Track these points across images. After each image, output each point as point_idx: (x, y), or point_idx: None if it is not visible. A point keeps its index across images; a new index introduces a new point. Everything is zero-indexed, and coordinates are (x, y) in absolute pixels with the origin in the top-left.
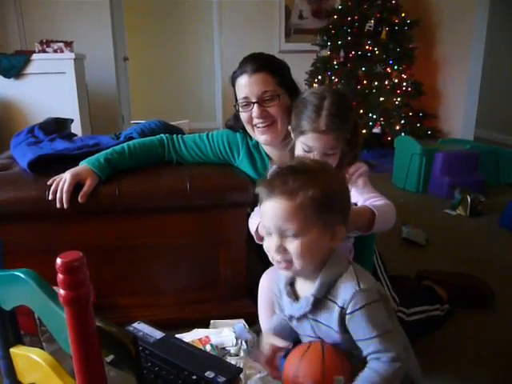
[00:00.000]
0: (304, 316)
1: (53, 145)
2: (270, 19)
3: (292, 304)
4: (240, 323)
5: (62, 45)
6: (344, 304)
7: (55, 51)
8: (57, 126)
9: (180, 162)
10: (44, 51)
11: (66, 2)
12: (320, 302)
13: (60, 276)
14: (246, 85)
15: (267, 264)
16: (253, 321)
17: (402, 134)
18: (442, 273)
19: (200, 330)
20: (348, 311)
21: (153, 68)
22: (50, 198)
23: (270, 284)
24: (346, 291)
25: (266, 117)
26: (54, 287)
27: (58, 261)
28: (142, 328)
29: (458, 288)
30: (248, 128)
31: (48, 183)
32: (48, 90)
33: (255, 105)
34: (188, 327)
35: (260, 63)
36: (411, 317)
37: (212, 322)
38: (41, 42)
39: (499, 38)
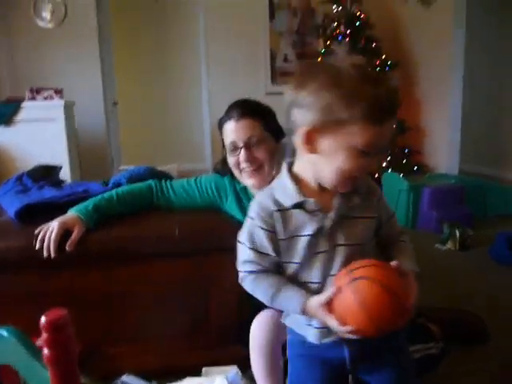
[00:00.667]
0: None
1: (41, 192)
2: (256, 62)
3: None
4: (233, 370)
5: (51, 92)
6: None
7: (45, 98)
8: (45, 173)
9: (169, 208)
10: (34, 98)
11: (56, 48)
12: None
13: (44, 335)
14: (232, 130)
15: (259, 307)
16: (246, 366)
17: (389, 170)
18: (433, 309)
19: (192, 378)
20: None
21: (142, 111)
22: (37, 246)
23: (262, 331)
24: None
25: (253, 161)
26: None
27: (42, 319)
28: (130, 381)
29: (450, 323)
30: (235, 172)
31: (35, 232)
32: (38, 137)
33: (242, 149)
34: (180, 375)
35: (246, 109)
36: None
37: (204, 369)
38: (31, 90)
39: (477, 72)
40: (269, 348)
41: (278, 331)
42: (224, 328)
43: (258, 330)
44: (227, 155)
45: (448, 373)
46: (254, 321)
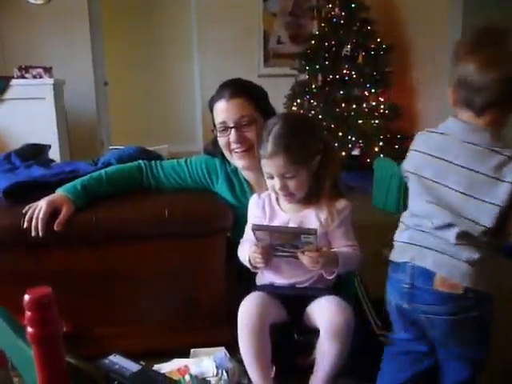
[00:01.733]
0: None
1: (29, 171)
2: (249, 44)
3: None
4: (221, 352)
5: (41, 70)
6: None
7: (34, 77)
8: (34, 152)
9: (158, 188)
10: (23, 77)
11: (46, 27)
12: None
13: (28, 313)
14: (223, 110)
15: (248, 289)
16: (234, 348)
17: (381, 155)
18: None
19: (179, 359)
20: None
21: (133, 92)
22: (25, 226)
23: (250, 312)
24: None
25: (244, 141)
26: None
27: (26, 297)
28: (117, 361)
29: None
30: (226, 153)
31: (23, 211)
32: (27, 116)
33: (232, 129)
34: (168, 356)
35: (237, 88)
36: None
37: (192, 350)
38: (20, 68)
39: None
40: (257, 329)
41: (267, 312)
42: (212, 310)
43: (246, 311)
44: (217, 136)
45: None
46: (243, 302)
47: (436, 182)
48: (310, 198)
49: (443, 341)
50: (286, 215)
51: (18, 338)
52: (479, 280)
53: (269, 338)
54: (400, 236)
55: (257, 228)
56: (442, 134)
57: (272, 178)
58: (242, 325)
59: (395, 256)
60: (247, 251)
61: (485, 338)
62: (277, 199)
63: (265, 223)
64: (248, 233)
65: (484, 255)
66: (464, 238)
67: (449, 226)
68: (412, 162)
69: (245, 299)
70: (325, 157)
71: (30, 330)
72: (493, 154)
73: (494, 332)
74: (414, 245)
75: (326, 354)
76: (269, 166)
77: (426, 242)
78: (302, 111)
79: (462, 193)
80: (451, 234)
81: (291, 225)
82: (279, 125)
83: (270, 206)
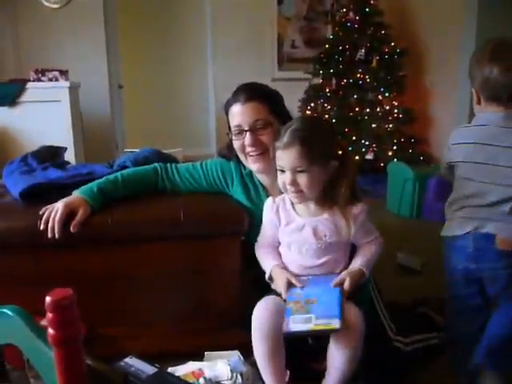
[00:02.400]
0: None
1: (46, 173)
2: (263, 48)
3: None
4: (235, 355)
5: (57, 73)
6: None
7: (50, 80)
8: (50, 155)
9: (174, 191)
10: (39, 80)
11: (61, 31)
12: None
13: (49, 314)
14: (238, 113)
15: (262, 292)
16: (248, 352)
17: (395, 159)
18: (439, 299)
19: (194, 362)
20: None
21: (147, 95)
22: (42, 227)
23: (264, 315)
24: None
25: (259, 145)
26: (44, 321)
27: (48, 299)
28: (133, 363)
29: None
30: (241, 156)
31: (40, 213)
32: (42, 118)
33: (247, 133)
34: (181, 359)
35: (253, 92)
36: (409, 346)
37: (206, 353)
38: (36, 71)
39: None
40: (271, 333)
41: (281, 316)
42: (226, 312)
43: (261, 314)
44: (232, 139)
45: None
46: (257, 305)
47: (489, 164)
48: (324, 203)
49: (503, 291)
50: (302, 219)
51: (38, 339)
52: None
53: (283, 342)
54: (454, 215)
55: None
56: (483, 125)
57: (283, 171)
58: (256, 328)
59: (455, 231)
60: (266, 263)
61: None
62: (292, 203)
63: (280, 227)
64: (264, 235)
65: None
66: None
67: (503, 200)
68: (458, 153)
69: (259, 302)
70: (342, 165)
71: (50, 331)
72: None
73: None
74: (473, 218)
75: (335, 359)
76: (282, 157)
77: (484, 214)
78: (315, 115)
79: None
80: (506, 207)
81: (306, 228)
82: (299, 121)
83: (284, 210)
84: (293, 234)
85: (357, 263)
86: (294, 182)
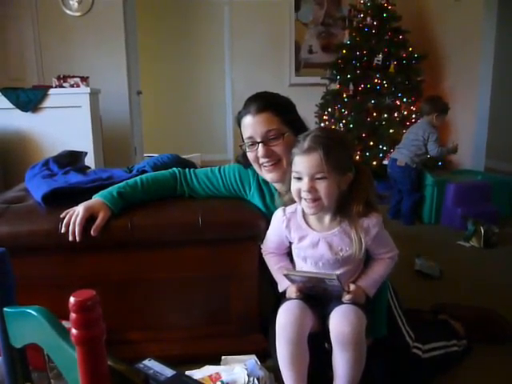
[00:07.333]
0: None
1: (67, 178)
2: (281, 54)
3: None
4: (252, 359)
5: (78, 80)
6: None
7: (71, 86)
8: (71, 159)
9: (192, 196)
10: (61, 86)
11: (83, 38)
12: None
13: (73, 315)
14: (250, 125)
15: (280, 297)
16: (265, 357)
17: None
18: (458, 307)
19: (211, 366)
20: None
21: (165, 101)
22: (63, 230)
23: (288, 318)
24: None
25: (272, 155)
26: (65, 322)
27: (72, 299)
28: (152, 365)
29: (476, 323)
30: (255, 167)
31: (61, 216)
32: (63, 124)
33: (260, 144)
34: (199, 363)
35: (263, 103)
36: (428, 353)
37: (223, 357)
38: (58, 78)
39: (506, 67)
40: (295, 336)
41: (305, 321)
42: (244, 317)
43: (285, 317)
44: (246, 150)
45: (470, 372)
46: (280, 309)
47: None
48: (336, 215)
49: None
50: (316, 234)
51: (62, 339)
52: None
53: (307, 347)
54: None
55: (287, 274)
56: None
57: (300, 179)
58: (280, 332)
59: None
60: (275, 267)
61: None
62: (303, 216)
63: (293, 244)
64: (268, 240)
65: None
66: None
67: None
68: None
69: (282, 306)
70: (357, 180)
71: (74, 331)
72: None
73: None
74: None
75: (339, 363)
76: (302, 162)
77: None
78: (332, 120)
79: None
80: None
81: (321, 244)
82: (319, 130)
83: (295, 224)
84: (308, 250)
85: (362, 283)
86: (312, 189)
